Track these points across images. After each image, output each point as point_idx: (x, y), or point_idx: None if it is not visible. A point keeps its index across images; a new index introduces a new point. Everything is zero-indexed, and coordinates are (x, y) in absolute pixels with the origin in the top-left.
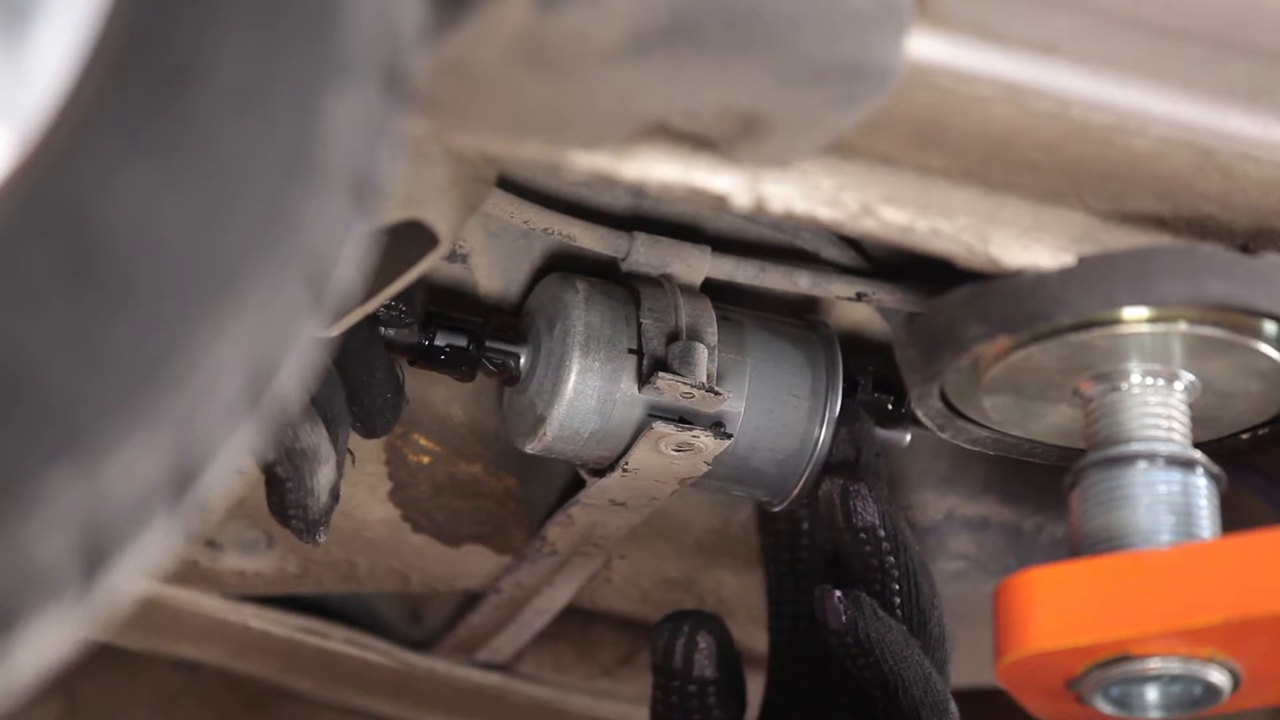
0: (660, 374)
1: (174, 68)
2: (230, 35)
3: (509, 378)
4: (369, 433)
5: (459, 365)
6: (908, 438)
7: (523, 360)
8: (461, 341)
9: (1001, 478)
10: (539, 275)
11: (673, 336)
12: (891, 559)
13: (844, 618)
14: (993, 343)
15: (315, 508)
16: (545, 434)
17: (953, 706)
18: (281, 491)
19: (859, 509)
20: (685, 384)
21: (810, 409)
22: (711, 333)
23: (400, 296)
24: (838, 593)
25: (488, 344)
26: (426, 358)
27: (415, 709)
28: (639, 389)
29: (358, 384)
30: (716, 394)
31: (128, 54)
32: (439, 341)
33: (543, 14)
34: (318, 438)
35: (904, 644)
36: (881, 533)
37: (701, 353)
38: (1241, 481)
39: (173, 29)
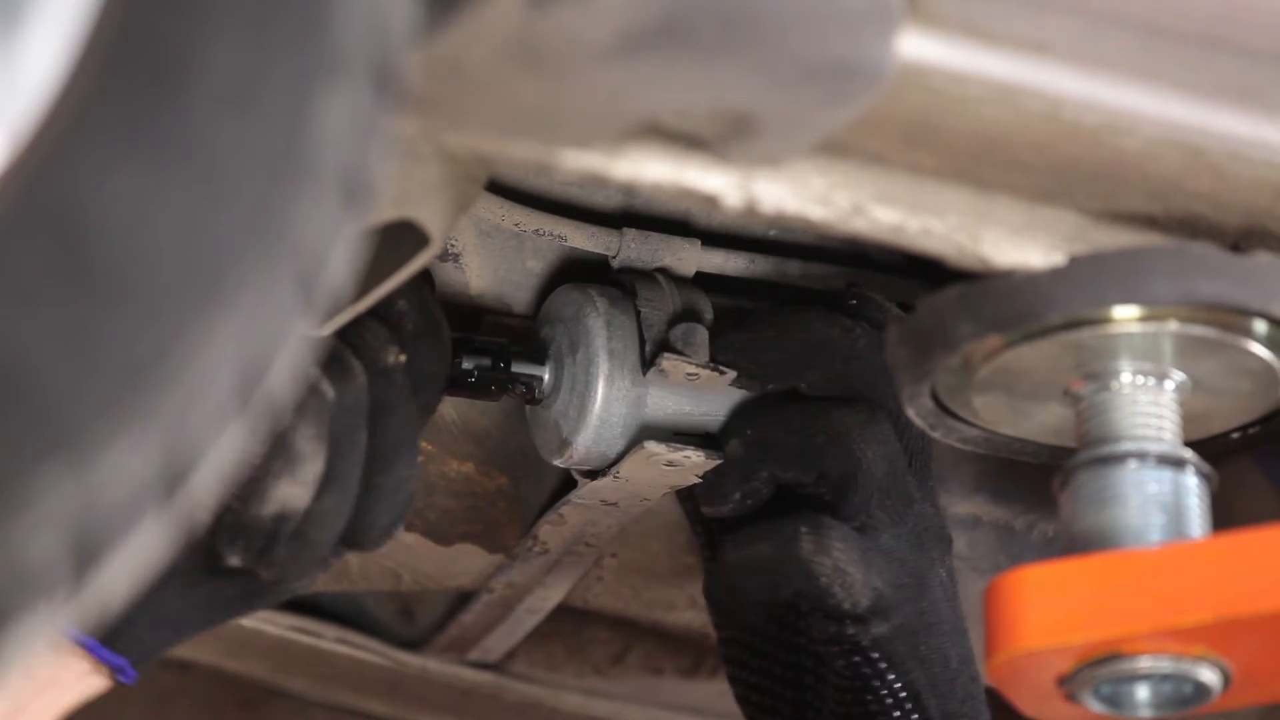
0: (665, 355)
1: (165, 68)
2: (221, 35)
3: (531, 398)
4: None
5: (486, 388)
6: None
7: (545, 379)
8: (487, 363)
9: (992, 476)
10: (534, 278)
11: (672, 321)
12: None
13: None
14: (983, 341)
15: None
16: (572, 456)
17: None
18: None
19: None
20: (690, 364)
21: None
22: (709, 318)
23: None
24: None
25: (513, 368)
26: (453, 383)
27: (407, 708)
28: (644, 373)
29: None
30: (722, 372)
31: (119, 54)
32: (466, 365)
33: (534, 13)
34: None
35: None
36: None
37: (703, 333)
38: (1264, 465)
39: (164, 29)
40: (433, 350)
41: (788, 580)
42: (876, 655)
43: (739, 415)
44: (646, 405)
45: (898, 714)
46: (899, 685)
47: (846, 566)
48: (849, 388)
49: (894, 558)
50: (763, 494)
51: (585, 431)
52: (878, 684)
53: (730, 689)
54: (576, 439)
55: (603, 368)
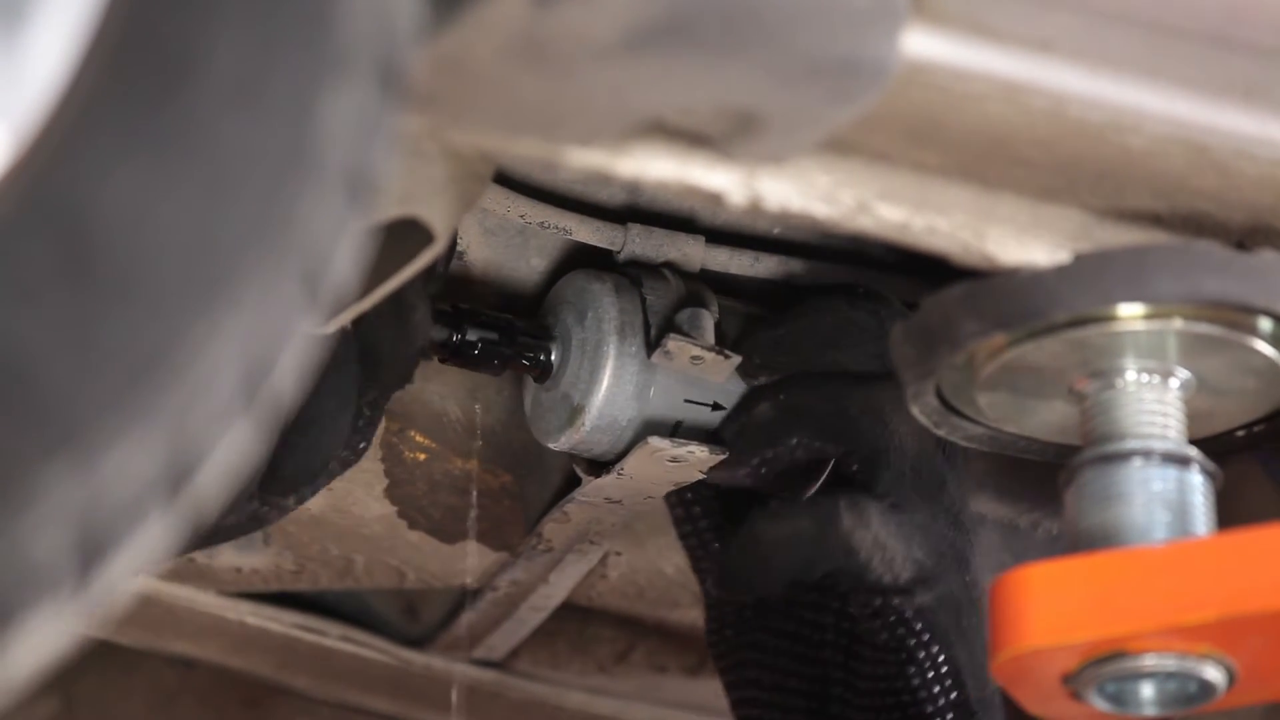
0: (670, 336)
1: (170, 64)
2: (226, 32)
3: (541, 372)
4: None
5: (491, 361)
6: None
7: (553, 355)
8: (493, 337)
9: (997, 474)
10: (539, 275)
11: (677, 306)
12: None
13: None
14: (988, 340)
15: None
16: (584, 423)
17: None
18: None
19: None
20: (696, 346)
21: None
22: (715, 308)
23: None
24: None
25: (520, 338)
26: (457, 354)
27: (411, 706)
28: (649, 355)
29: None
30: (727, 356)
31: (124, 51)
32: (470, 337)
33: (539, 11)
34: None
35: None
36: None
37: (708, 318)
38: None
39: (169, 26)
40: (389, 382)
41: (826, 557)
42: (920, 626)
43: (768, 382)
44: (658, 371)
45: (937, 689)
46: (942, 660)
47: (886, 540)
48: (881, 367)
49: (932, 532)
50: (781, 463)
51: (599, 392)
52: (921, 655)
53: (718, 667)
54: (590, 401)
55: (613, 322)
